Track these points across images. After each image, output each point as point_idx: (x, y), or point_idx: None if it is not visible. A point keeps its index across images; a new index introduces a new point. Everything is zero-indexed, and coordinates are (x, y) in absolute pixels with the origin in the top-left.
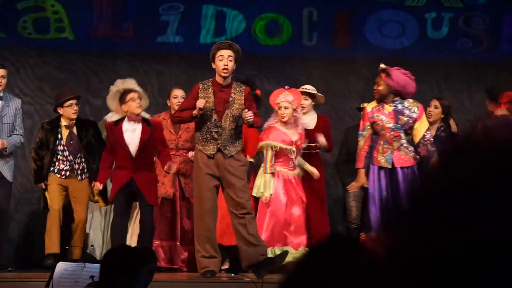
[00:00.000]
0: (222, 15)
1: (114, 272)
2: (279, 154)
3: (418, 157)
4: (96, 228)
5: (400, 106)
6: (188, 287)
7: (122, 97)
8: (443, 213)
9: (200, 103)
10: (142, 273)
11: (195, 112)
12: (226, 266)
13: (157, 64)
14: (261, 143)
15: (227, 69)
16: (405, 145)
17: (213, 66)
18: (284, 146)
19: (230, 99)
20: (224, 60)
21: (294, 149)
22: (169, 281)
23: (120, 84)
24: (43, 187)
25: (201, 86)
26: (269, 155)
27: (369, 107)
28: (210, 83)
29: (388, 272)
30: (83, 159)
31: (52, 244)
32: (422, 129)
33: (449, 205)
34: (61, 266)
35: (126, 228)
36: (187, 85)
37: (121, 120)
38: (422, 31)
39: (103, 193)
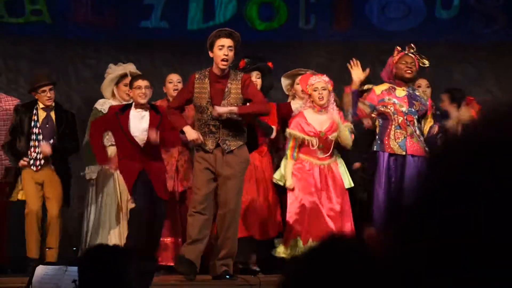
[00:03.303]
0: None
1: (93, 274)
2: (304, 143)
3: (427, 149)
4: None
5: (412, 93)
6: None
7: (130, 82)
8: (447, 210)
9: (192, 136)
10: (126, 272)
11: (184, 138)
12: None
13: (141, 52)
14: (287, 130)
15: (226, 59)
16: (417, 132)
17: (211, 55)
18: (303, 136)
19: (226, 90)
20: (224, 49)
21: (314, 141)
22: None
23: (119, 69)
24: (26, 163)
25: (197, 76)
26: (290, 142)
27: (378, 89)
28: (207, 73)
29: (387, 271)
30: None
31: (31, 248)
32: (428, 123)
33: (452, 201)
34: (40, 269)
35: (153, 225)
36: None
37: (128, 107)
38: (429, 11)
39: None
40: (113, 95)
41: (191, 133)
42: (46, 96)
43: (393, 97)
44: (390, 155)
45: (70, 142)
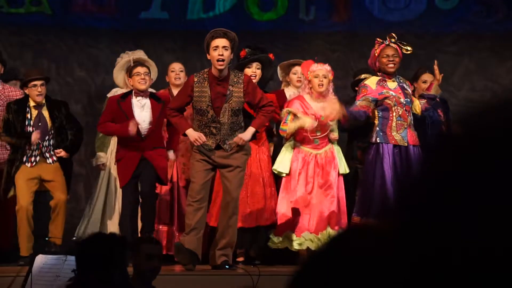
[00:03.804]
0: None
1: (90, 262)
2: (301, 129)
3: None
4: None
5: (401, 82)
6: (182, 280)
7: (130, 69)
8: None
9: (194, 137)
10: (121, 259)
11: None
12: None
13: (141, 43)
14: (283, 111)
15: (222, 60)
16: (412, 122)
17: (208, 57)
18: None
19: (228, 93)
20: (219, 49)
21: (315, 124)
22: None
23: (127, 56)
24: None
25: (196, 79)
26: (288, 118)
27: (371, 83)
28: (206, 76)
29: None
30: (51, 142)
31: (22, 247)
32: (417, 105)
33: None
34: (40, 259)
35: (137, 221)
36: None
37: (128, 94)
38: (430, 1)
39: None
40: (125, 84)
41: (193, 135)
42: (36, 91)
43: (388, 89)
44: (394, 146)
45: (72, 130)
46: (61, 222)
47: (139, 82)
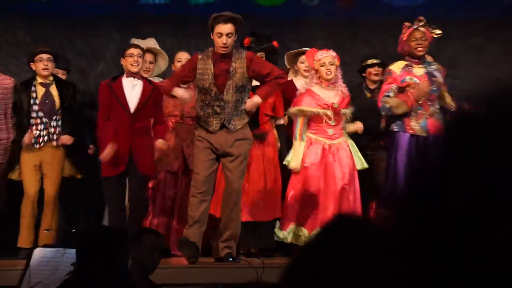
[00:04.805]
0: None
1: (90, 255)
2: (314, 120)
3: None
4: None
5: (429, 68)
6: (185, 273)
7: (123, 51)
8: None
9: (184, 95)
10: (122, 253)
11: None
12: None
13: (141, 29)
14: (291, 110)
15: (225, 47)
16: (437, 111)
17: (212, 37)
18: (317, 110)
19: (231, 69)
20: (223, 37)
21: (329, 112)
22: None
23: (138, 43)
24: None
25: (200, 57)
26: (299, 122)
27: (397, 69)
28: (209, 53)
29: (394, 251)
30: (59, 122)
31: (23, 238)
32: (447, 97)
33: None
34: (38, 252)
35: (125, 214)
36: (175, 53)
37: (119, 76)
38: None
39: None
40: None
41: (182, 93)
42: (42, 64)
43: (413, 76)
44: (411, 136)
45: (79, 113)
46: (50, 217)
47: (131, 64)
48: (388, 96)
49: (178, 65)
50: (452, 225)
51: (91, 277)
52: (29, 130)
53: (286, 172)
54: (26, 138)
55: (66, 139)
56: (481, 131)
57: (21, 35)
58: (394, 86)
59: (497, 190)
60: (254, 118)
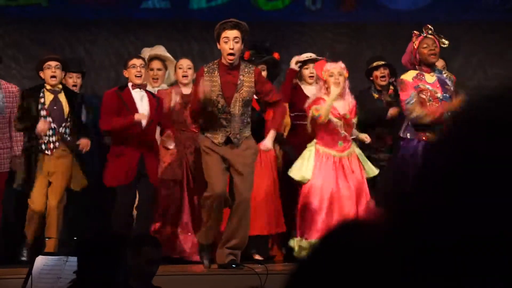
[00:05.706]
0: None
1: (91, 260)
2: (326, 131)
3: None
4: None
5: (441, 76)
6: (188, 279)
7: (125, 62)
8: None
9: (205, 87)
10: (124, 260)
11: (200, 96)
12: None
13: (141, 34)
14: (313, 107)
15: (233, 53)
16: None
17: (218, 47)
18: (332, 118)
19: (239, 82)
20: (230, 42)
21: (340, 123)
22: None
23: (147, 52)
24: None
25: (205, 70)
26: (316, 122)
27: (409, 77)
28: (216, 66)
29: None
30: (67, 130)
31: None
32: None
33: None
34: (40, 260)
35: (132, 221)
36: (175, 57)
37: (125, 86)
38: None
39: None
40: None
41: (205, 85)
42: (50, 72)
43: (425, 83)
44: (426, 143)
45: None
46: (54, 229)
47: (135, 76)
48: (410, 103)
49: (179, 72)
50: (452, 226)
51: (91, 283)
52: (41, 119)
53: (288, 182)
54: (40, 125)
55: (85, 143)
56: (480, 131)
57: (21, 39)
58: (413, 93)
59: (495, 190)
60: (257, 131)
